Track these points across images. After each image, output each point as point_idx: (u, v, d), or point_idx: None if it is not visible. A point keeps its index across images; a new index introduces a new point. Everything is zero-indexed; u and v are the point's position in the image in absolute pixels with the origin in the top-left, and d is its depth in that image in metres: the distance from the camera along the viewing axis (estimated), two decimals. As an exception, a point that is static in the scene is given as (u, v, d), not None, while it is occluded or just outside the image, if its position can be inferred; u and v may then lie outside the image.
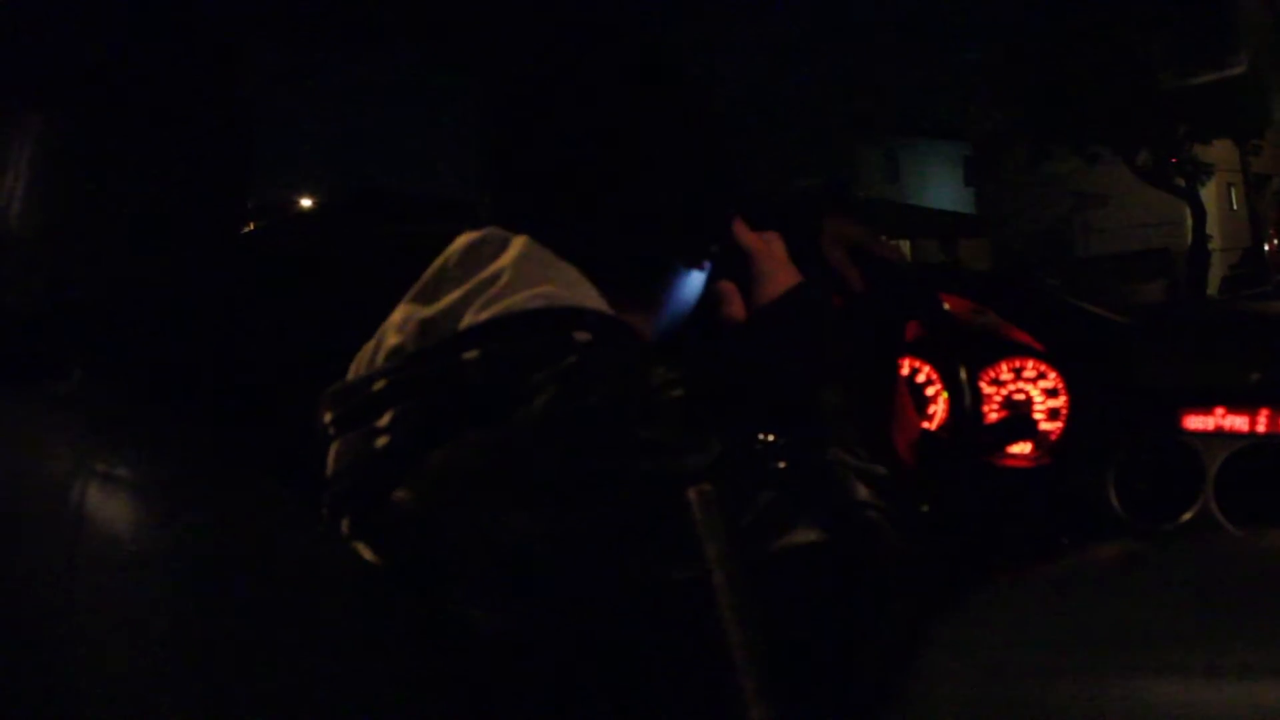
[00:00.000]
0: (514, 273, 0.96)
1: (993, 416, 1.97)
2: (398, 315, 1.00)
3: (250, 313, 1.10)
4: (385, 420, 0.92)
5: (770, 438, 1.04)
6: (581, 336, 0.91)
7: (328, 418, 0.97)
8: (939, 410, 2.01)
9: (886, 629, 0.93)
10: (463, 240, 1.02)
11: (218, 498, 0.71)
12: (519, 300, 0.93)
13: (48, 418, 0.72)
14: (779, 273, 1.16)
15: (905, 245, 26.80)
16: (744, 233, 1.16)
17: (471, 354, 0.90)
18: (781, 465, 1.02)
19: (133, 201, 0.82)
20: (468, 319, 0.93)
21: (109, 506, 0.63)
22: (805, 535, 0.91)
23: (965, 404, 1.69)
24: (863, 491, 1.01)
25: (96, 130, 0.81)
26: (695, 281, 1.13)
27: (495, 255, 0.98)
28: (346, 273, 1.59)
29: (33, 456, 0.67)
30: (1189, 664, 0.45)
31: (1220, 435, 1.66)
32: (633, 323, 1.01)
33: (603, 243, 1.04)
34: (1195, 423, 1.69)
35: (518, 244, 0.99)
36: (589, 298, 0.97)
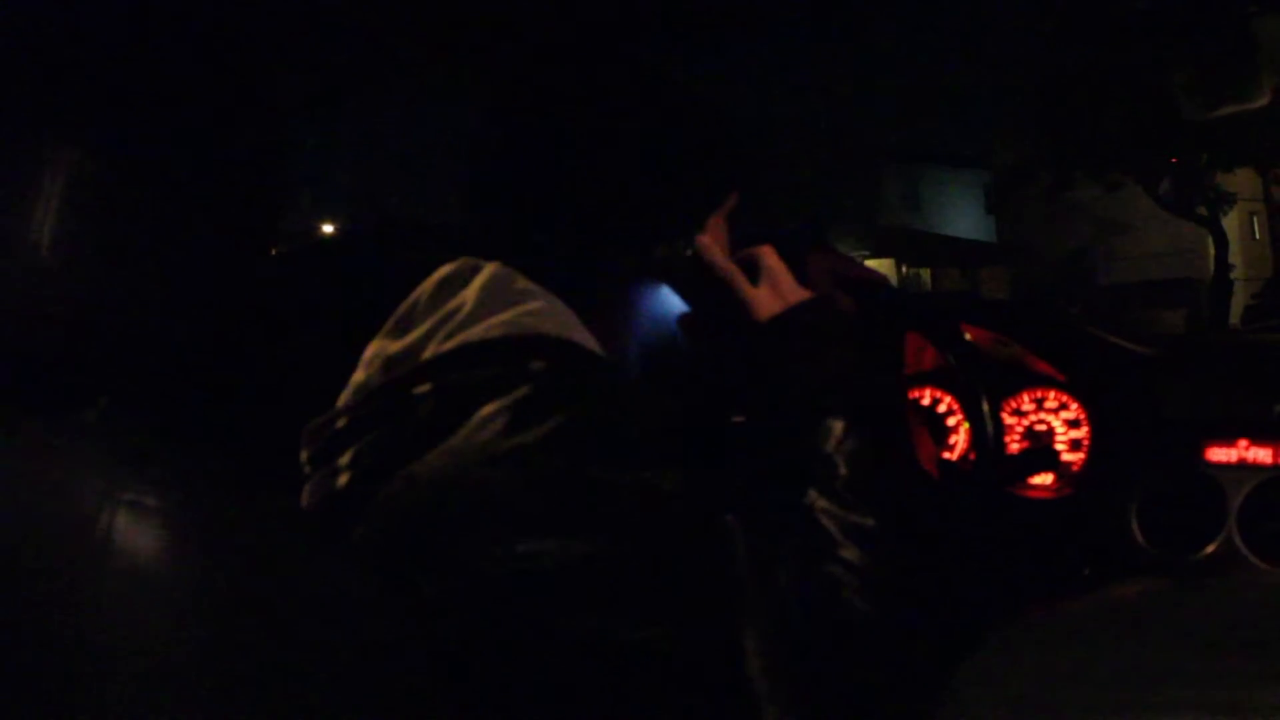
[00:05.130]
0: (476, 302, 0.95)
1: (1014, 447, 1.96)
2: (369, 351, 0.99)
3: (278, 340, 1.11)
4: (346, 458, 0.91)
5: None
6: (537, 365, 0.90)
7: (304, 455, 0.97)
8: (960, 440, 2.00)
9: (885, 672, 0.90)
10: (438, 273, 1.01)
11: (245, 526, 0.71)
12: (477, 331, 0.92)
13: (75, 446, 0.72)
14: (773, 288, 1.13)
15: (926, 274, 26.76)
16: (712, 251, 1.13)
17: (423, 388, 0.90)
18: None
19: (160, 232, 0.83)
20: (429, 352, 0.93)
21: (137, 535, 0.64)
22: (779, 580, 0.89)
23: (987, 434, 1.68)
24: (842, 547, 0.94)
25: (126, 162, 0.82)
26: (665, 298, 1.12)
27: (463, 286, 0.98)
28: (369, 299, 1.59)
29: (60, 485, 0.68)
30: (1212, 702, 0.45)
31: (1244, 467, 1.65)
32: (602, 342, 1.00)
33: (549, 254, 1.03)
34: (1218, 454, 1.68)
35: (485, 272, 0.98)
36: (557, 323, 0.96)
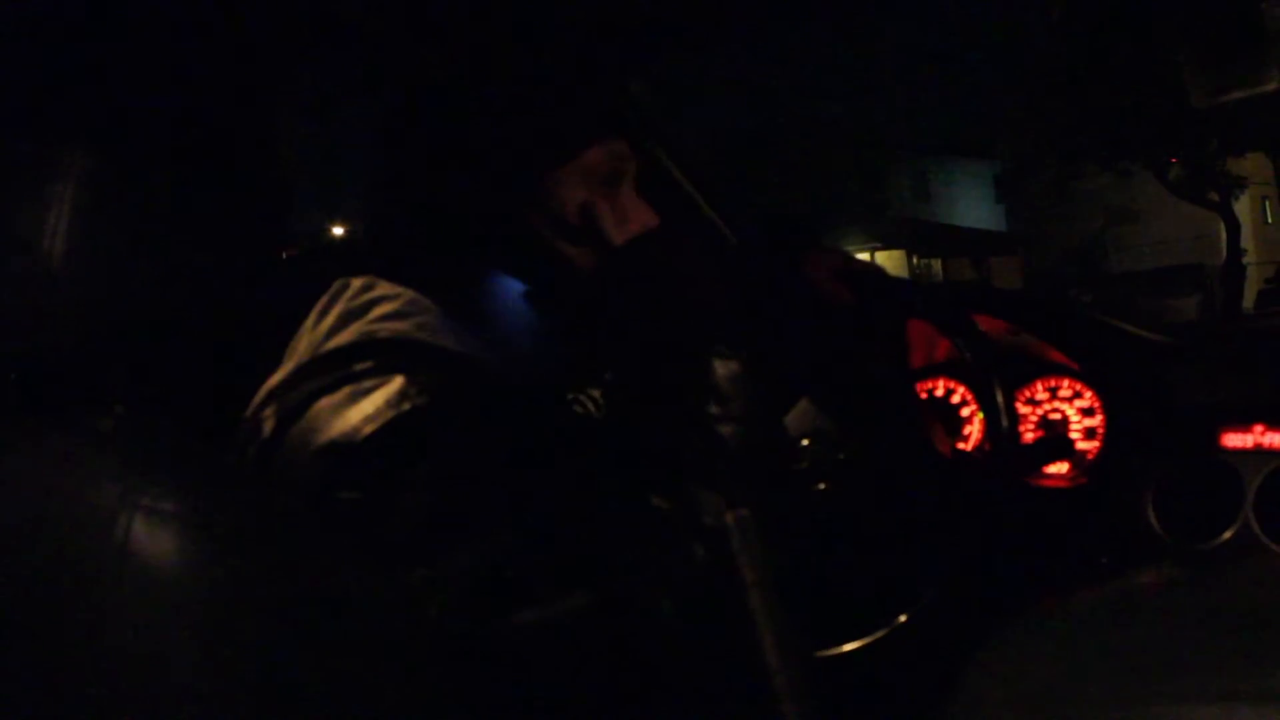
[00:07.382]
0: (336, 318, 0.95)
1: (1029, 437, 1.95)
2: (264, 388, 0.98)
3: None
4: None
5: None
6: (362, 366, 0.88)
7: None
8: (974, 431, 2.00)
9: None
10: (321, 300, 1.00)
11: (263, 532, 0.71)
12: (328, 346, 0.92)
13: (92, 453, 0.72)
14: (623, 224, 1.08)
15: (937, 264, 26.72)
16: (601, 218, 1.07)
17: (267, 411, 0.89)
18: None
19: (173, 238, 0.83)
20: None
21: (154, 541, 0.64)
22: (550, 608, 0.84)
23: (1001, 424, 1.67)
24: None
25: (137, 168, 0.82)
26: (514, 291, 1.07)
27: (334, 304, 0.97)
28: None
29: (78, 492, 0.68)
30: (1235, 690, 0.44)
31: (1259, 453, 1.64)
32: (491, 345, 0.98)
33: (421, 258, 1.03)
34: (1234, 440, 1.67)
35: (352, 287, 0.98)
36: (413, 325, 0.94)
